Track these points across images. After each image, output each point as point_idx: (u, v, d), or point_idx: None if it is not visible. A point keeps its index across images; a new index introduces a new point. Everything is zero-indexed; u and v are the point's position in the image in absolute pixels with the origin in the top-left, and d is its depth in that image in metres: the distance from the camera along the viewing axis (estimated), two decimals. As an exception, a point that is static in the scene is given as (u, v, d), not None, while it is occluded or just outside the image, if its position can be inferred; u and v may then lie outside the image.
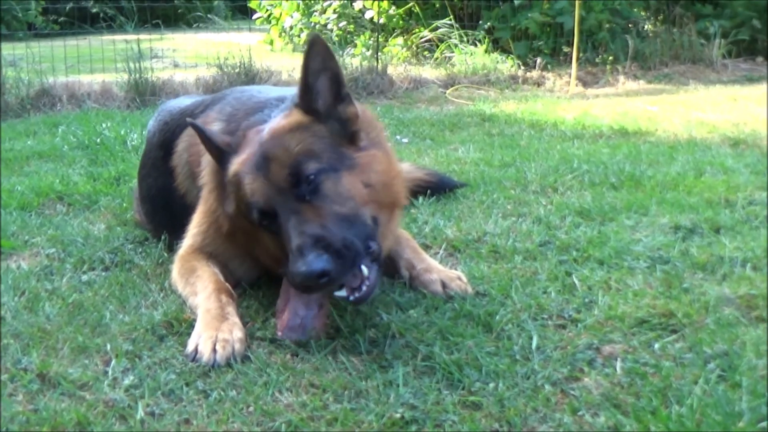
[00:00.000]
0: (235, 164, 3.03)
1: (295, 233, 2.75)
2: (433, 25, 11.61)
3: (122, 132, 6.94)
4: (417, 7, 12.28)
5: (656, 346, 2.73)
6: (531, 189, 4.87)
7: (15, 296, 3.32)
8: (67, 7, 16.66)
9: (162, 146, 3.93)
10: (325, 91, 3.05)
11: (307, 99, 3.04)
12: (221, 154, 3.14)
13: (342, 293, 2.79)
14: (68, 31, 12.45)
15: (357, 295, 2.78)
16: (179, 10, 19.03)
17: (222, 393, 2.51)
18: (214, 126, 3.47)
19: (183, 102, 4.34)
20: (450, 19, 11.54)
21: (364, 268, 2.79)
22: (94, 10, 14.05)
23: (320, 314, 2.90)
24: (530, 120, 7.71)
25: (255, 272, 3.37)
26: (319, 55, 3.01)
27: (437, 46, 11.61)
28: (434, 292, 3.23)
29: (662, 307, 3.00)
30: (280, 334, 2.87)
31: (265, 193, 2.90)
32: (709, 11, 12.38)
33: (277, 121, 3.08)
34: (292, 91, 3.34)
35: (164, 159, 3.85)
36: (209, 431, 2.33)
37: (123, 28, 10.04)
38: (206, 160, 3.38)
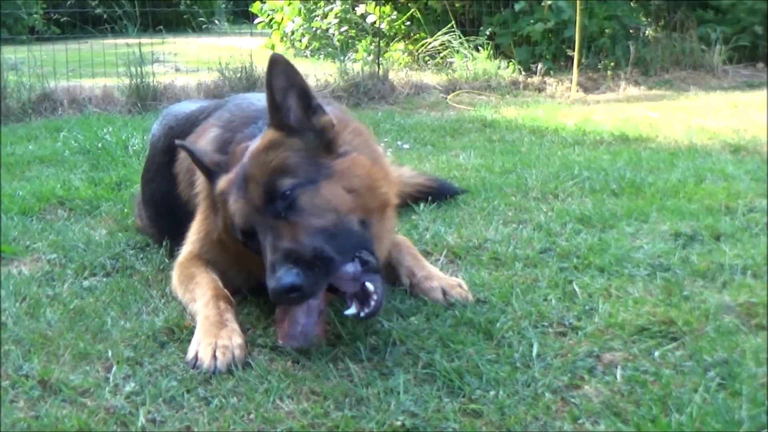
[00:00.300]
0: (222, 183, 3.07)
1: (270, 250, 2.78)
2: (437, 35, 11.59)
3: (123, 137, 6.95)
4: (418, 13, 12.30)
5: (656, 353, 2.73)
6: (532, 195, 4.87)
7: (16, 302, 3.32)
8: (69, 5, 16.74)
9: (167, 151, 3.94)
10: (294, 106, 3.05)
11: (277, 117, 3.05)
12: (210, 174, 3.18)
13: (352, 311, 2.81)
14: (69, 35, 12.44)
15: (367, 311, 2.79)
16: (185, 16, 19.04)
17: (223, 400, 2.51)
18: (212, 132, 3.49)
19: (188, 107, 4.35)
20: (452, 26, 11.55)
21: (369, 285, 2.80)
22: (98, 11, 14.04)
23: (320, 321, 2.90)
24: (531, 126, 7.72)
25: (254, 280, 3.35)
26: (282, 74, 3.02)
27: (439, 53, 11.62)
28: (435, 300, 3.23)
29: (662, 315, 3.01)
30: (281, 342, 2.87)
31: (244, 212, 2.92)
32: (710, 17, 12.39)
33: (257, 139, 3.11)
34: None
35: (169, 164, 3.86)
36: (210, 438, 2.34)
37: (125, 32, 10.03)
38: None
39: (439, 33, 11.65)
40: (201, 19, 17.14)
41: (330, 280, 2.77)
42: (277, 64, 3.01)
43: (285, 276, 2.65)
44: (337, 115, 3.16)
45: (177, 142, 3.44)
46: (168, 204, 3.83)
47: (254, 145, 3.07)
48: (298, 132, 3.03)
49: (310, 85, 3.14)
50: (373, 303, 2.79)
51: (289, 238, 2.76)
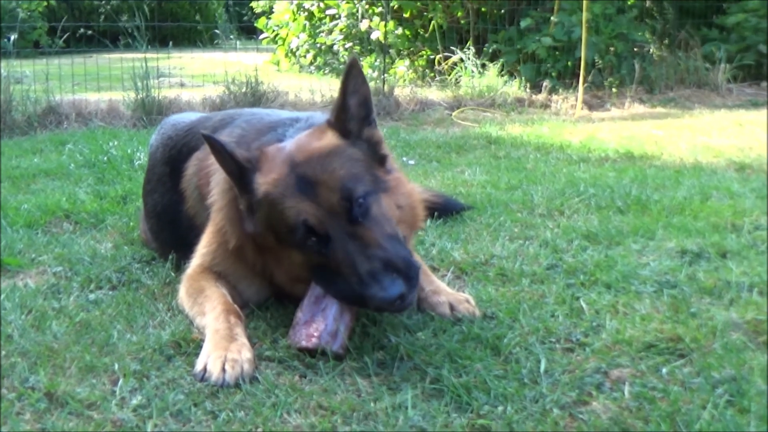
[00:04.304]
0: (265, 184, 3.03)
1: (361, 258, 2.82)
2: (452, 58, 11.61)
3: (129, 151, 6.98)
4: (423, 30, 12.34)
5: (664, 370, 2.73)
6: (538, 212, 4.87)
7: (22, 314, 3.32)
8: (75, 20, 16.78)
9: (167, 163, 3.94)
10: (355, 112, 3.11)
11: (342, 118, 3.11)
12: (241, 171, 3.11)
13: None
14: (75, 49, 12.49)
15: (400, 303, 2.81)
16: (197, 27, 19.13)
17: (230, 414, 2.50)
18: None
19: (187, 117, 4.35)
20: (469, 46, 11.58)
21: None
22: (103, 26, 14.07)
23: (348, 328, 2.94)
24: (536, 143, 7.73)
25: (264, 293, 3.37)
26: (355, 78, 3.09)
27: (444, 69, 11.64)
28: (442, 315, 3.23)
29: (670, 332, 3.00)
30: (304, 343, 2.87)
31: (317, 215, 2.91)
32: (715, 35, 12.43)
33: (307, 140, 3.12)
34: (303, 114, 3.36)
35: (170, 176, 3.86)
36: (217, 452, 2.33)
37: (131, 46, 10.06)
38: (215, 181, 3.39)
39: (457, 54, 11.67)
40: (216, 31, 17.18)
41: (417, 286, 2.88)
42: (354, 67, 3.08)
43: (391, 287, 2.74)
44: None
45: (203, 132, 3.31)
46: (171, 215, 3.82)
47: (307, 143, 3.09)
48: (354, 140, 3.10)
49: (372, 99, 3.20)
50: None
51: (377, 246, 2.84)
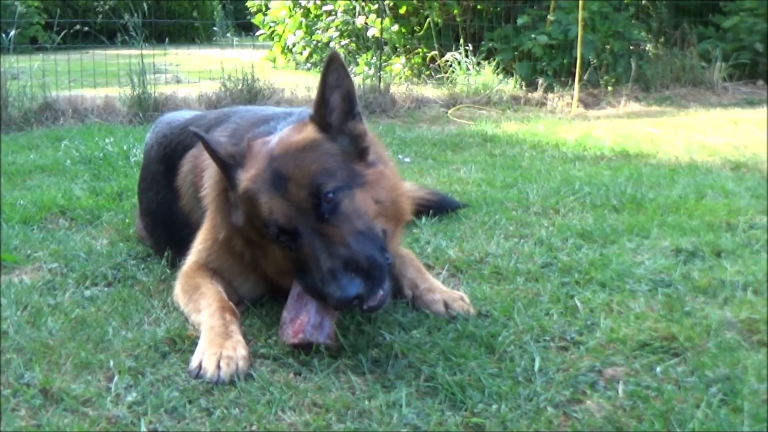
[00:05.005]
0: (245, 180, 3.05)
1: (324, 255, 2.82)
2: (448, 55, 11.61)
3: (125, 147, 6.98)
4: (419, 27, 12.33)
5: (658, 369, 2.73)
6: (533, 210, 4.88)
7: (18, 311, 3.32)
8: (71, 16, 16.75)
9: (162, 161, 3.95)
10: (338, 106, 3.10)
11: (322, 112, 3.09)
12: (225, 167, 3.15)
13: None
14: (71, 45, 12.46)
15: (371, 303, 2.83)
16: (195, 24, 19.11)
17: (225, 411, 2.50)
18: (220, 141, 3.48)
19: (182, 115, 4.35)
20: (461, 41, 11.58)
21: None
22: (100, 23, 14.04)
23: (333, 322, 2.94)
24: (532, 141, 7.74)
25: (259, 289, 3.38)
26: (335, 72, 3.07)
27: (441, 67, 11.64)
28: (437, 312, 3.23)
29: (664, 331, 3.01)
30: (293, 340, 2.88)
31: (285, 212, 2.92)
32: (711, 34, 12.44)
33: (288, 134, 3.13)
34: (297, 109, 3.36)
35: (165, 174, 3.86)
36: (212, 449, 2.34)
37: (130, 43, 10.05)
38: (208, 174, 3.40)
39: (452, 52, 11.68)
40: (215, 29, 17.17)
41: (383, 290, 2.85)
42: (334, 61, 3.07)
43: (350, 286, 2.74)
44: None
45: (192, 128, 3.42)
46: (166, 213, 3.83)
47: (287, 137, 3.10)
48: (335, 134, 3.08)
49: (355, 92, 3.18)
50: (378, 297, 2.84)
51: (342, 244, 2.83)
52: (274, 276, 3.24)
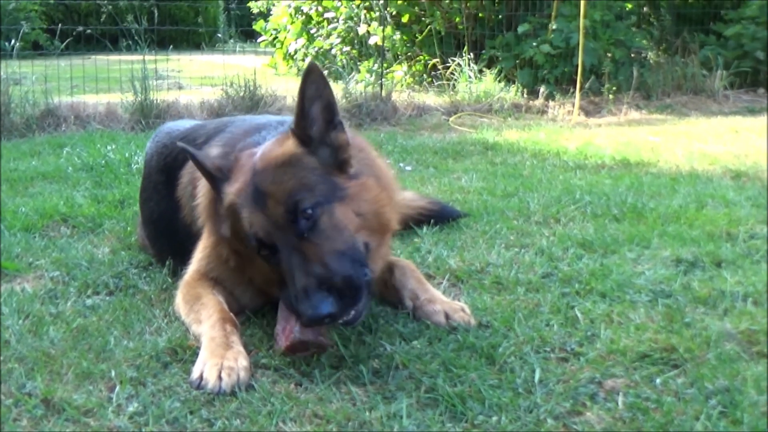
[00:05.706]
0: (230, 194, 3.07)
1: (299, 273, 2.83)
2: (453, 63, 11.62)
3: (127, 154, 6.98)
4: (420, 35, 12.35)
5: (658, 380, 2.74)
6: (534, 220, 4.88)
7: (19, 319, 3.33)
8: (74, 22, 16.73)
9: (163, 171, 3.96)
10: (318, 118, 3.08)
11: (302, 125, 3.07)
12: (213, 180, 3.18)
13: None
14: (73, 51, 12.48)
15: (347, 318, 2.84)
16: (198, 30, 19.12)
17: (226, 422, 2.51)
18: (213, 151, 3.49)
19: (183, 125, 4.36)
20: (465, 49, 11.60)
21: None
22: (103, 29, 14.05)
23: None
24: (533, 149, 7.75)
25: (260, 299, 3.38)
26: (314, 83, 3.05)
27: (443, 75, 11.65)
28: (437, 323, 3.24)
29: (664, 342, 3.01)
30: (285, 345, 2.91)
31: (264, 227, 2.95)
32: (712, 42, 12.45)
33: (269, 148, 3.13)
34: (290, 118, 3.38)
35: (166, 183, 3.87)
36: (213, 460, 2.34)
37: (133, 48, 10.06)
38: (202, 182, 3.41)
39: (455, 60, 11.69)
40: (218, 35, 17.19)
41: (358, 306, 2.85)
42: (312, 72, 3.05)
43: (321, 305, 2.74)
44: (351, 135, 3.21)
45: (179, 144, 3.45)
46: (167, 223, 3.84)
47: (267, 151, 3.10)
48: (316, 146, 3.07)
49: (336, 102, 3.17)
50: (353, 312, 2.85)
51: (318, 262, 2.83)
52: (261, 286, 3.27)
